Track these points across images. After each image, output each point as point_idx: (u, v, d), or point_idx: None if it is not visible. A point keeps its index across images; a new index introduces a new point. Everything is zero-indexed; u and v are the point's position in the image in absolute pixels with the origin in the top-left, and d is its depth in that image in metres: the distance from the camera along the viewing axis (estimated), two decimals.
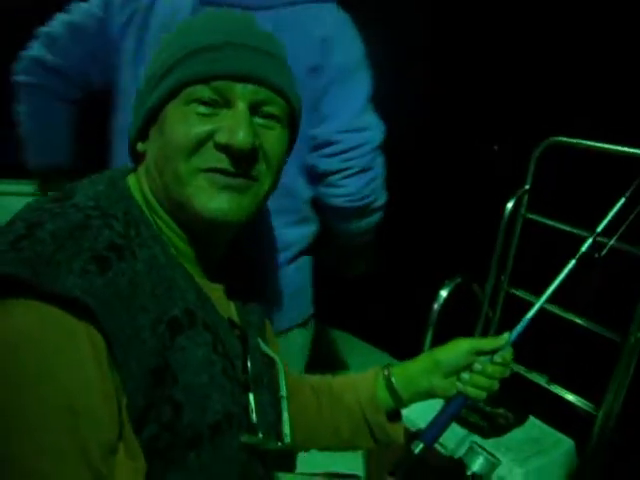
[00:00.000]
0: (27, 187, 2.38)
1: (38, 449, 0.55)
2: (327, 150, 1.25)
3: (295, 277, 1.41)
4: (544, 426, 1.86)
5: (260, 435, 0.77)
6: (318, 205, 1.38)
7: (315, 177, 1.31)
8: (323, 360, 2.88)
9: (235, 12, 0.78)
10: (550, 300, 1.01)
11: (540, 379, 1.84)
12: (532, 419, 1.85)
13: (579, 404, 1.73)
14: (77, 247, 0.61)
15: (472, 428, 1.72)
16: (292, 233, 1.36)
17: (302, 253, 1.42)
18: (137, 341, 0.62)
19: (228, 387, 0.74)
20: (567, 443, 1.79)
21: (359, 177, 1.27)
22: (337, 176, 1.27)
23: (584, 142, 1.66)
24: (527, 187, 1.83)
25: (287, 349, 1.30)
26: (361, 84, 1.27)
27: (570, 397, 1.77)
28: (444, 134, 2.93)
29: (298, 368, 1.51)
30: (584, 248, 0.98)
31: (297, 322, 1.45)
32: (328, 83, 1.22)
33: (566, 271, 0.98)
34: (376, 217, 1.40)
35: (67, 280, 0.58)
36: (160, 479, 0.66)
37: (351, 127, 1.24)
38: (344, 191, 1.28)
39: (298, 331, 1.47)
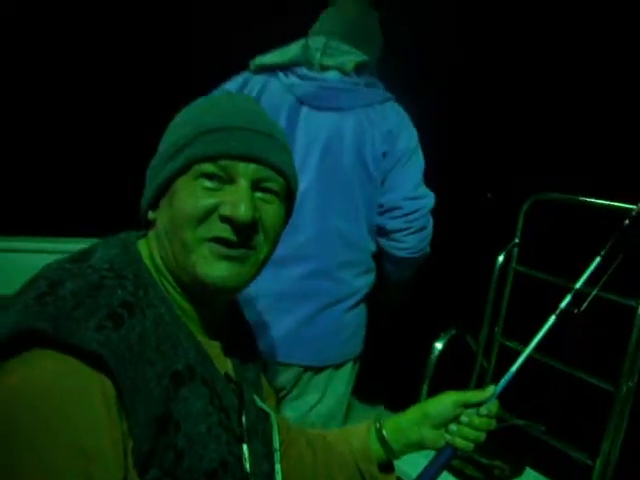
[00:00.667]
0: (44, 244, 2.46)
1: None
2: (394, 213, 1.62)
3: (356, 319, 1.74)
4: (541, 477, 1.85)
5: None
6: (380, 257, 1.74)
7: (383, 234, 1.67)
8: None
9: (241, 97, 0.88)
10: (540, 349, 1.05)
11: (537, 430, 1.84)
12: (529, 470, 1.85)
13: (576, 455, 1.73)
14: (94, 305, 0.67)
15: None
16: (359, 282, 1.69)
17: (363, 299, 1.74)
18: (145, 391, 0.68)
19: (224, 438, 0.78)
20: None
21: (418, 234, 1.64)
22: (401, 233, 1.64)
23: (566, 196, 1.74)
24: (517, 241, 1.90)
25: (339, 379, 1.73)
26: (417, 163, 1.64)
27: (567, 448, 1.76)
28: (439, 184, 3.01)
29: (346, 394, 1.81)
30: (563, 305, 1.03)
31: (351, 357, 1.76)
32: (394, 164, 1.60)
33: (547, 326, 1.03)
34: (415, 266, 1.76)
35: (85, 334, 0.64)
36: None
37: (411, 196, 1.61)
38: (406, 245, 1.65)
39: (350, 365, 1.78)
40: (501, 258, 1.91)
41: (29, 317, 0.64)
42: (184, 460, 0.71)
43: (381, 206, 1.63)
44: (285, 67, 1.62)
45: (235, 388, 0.86)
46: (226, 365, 0.89)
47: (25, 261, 2.37)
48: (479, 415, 1.00)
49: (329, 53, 1.61)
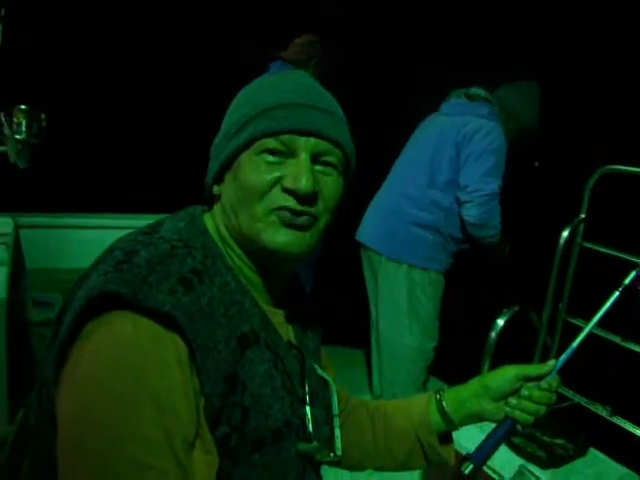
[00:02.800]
0: (114, 221, 2.60)
1: (133, 437, 0.65)
2: (463, 190, 2.40)
3: None
4: (607, 459, 1.81)
5: (315, 443, 0.86)
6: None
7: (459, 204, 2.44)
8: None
9: (299, 74, 0.90)
10: (607, 327, 1.03)
11: (603, 411, 1.79)
12: (593, 451, 1.81)
13: None
14: (166, 271, 0.72)
15: (529, 458, 1.71)
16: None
17: None
18: (214, 351, 0.72)
19: (287, 399, 0.83)
20: (633, 478, 1.74)
21: (479, 207, 2.35)
22: (467, 204, 2.38)
23: (636, 169, 1.66)
24: (583, 216, 1.84)
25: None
26: (483, 163, 2.37)
27: (636, 431, 1.71)
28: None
29: None
30: (627, 281, 1.01)
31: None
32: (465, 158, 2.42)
33: (610, 302, 1.01)
34: (490, 231, 2.41)
35: (159, 297, 0.69)
36: (229, 473, 0.75)
37: (472, 183, 2.37)
38: (470, 213, 2.38)
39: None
40: (566, 234, 1.86)
41: (109, 282, 0.70)
42: (250, 418, 0.76)
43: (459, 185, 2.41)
44: None
45: (297, 354, 0.90)
46: (288, 333, 0.92)
47: (97, 237, 2.51)
48: (539, 388, 1.00)
49: None
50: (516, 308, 2.12)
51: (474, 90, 2.50)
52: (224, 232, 0.87)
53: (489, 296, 2.89)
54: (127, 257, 0.74)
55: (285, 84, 0.86)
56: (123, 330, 0.68)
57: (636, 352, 1.68)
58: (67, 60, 3.87)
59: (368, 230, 2.59)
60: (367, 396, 2.74)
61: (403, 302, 2.48)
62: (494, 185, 2.33)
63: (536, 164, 2.59)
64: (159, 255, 0.74)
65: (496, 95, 2.51)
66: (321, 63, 2.78)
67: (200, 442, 0.71)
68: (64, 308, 0.77)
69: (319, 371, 0.97)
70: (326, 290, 3.02)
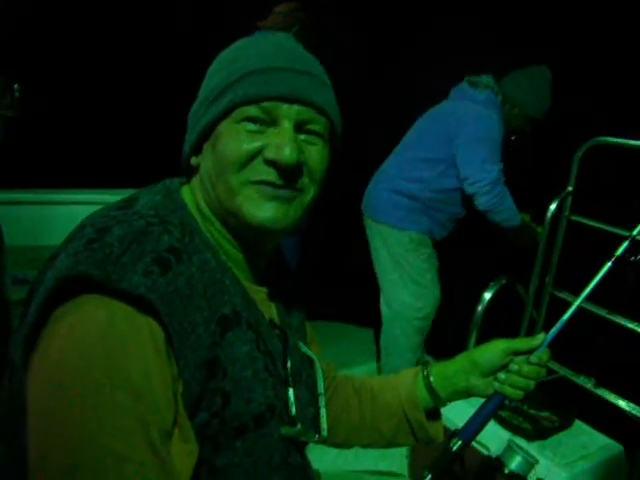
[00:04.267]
0: (84, 196, 2.54)
1: (107, 427, 0.61)
2: (466, 182, 2.42)
3: None
4: (591, 430, 1.83)
5: (299, 426, 0.82)
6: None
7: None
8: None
9: (279, 35, 0.85)
10: (593, 300, 1.02)
11: (587, 382, 1.80)
12: (578, 423, 1.83)
13: (627, 408, 1.70)
14: (140, 250, 0.67)
15: (516, 430, 1.72)
16: None
17: None
18: (193, 335, 0.68)
19: (270, 382, 0.79)
20: (615, 448, 1.76)
21: (485, 196, 2.37)
22: (474, 196, 2.40)
23: (631, 142, 1.64)
24: (570, 189, 1.82)
25: None
26: (477, 152, 2.40)
27: (618, 401, 1.73)
28: None
29: None
30: (619, 252, 0.99)
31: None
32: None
33: (602, 273, 0.99)
34: (504, 214, 2.39)
35: (133, 279, 0.64)
36: (209, 461, 0.72)
37: (471, 174, 2.40)
38: (478, 202, 2.39)
39: None
40: (553, 207, 1.85)
41: (79, 263, 0.65)
42: (231, 403, 0.72)
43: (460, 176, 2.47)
44: None
45: (280, 334, 0.87)
46: (271, 311, 0.89)
47: (66, 213, 2.45)
48: (529, 363, 0.98)
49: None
50: (503, 281, 2.11)
51: (479, 77, 2.54)
52: (203, 206, 0.82)
53: (476, 268, 2.89)
54: (98, 235, 0.69)
55: (265, 47, 0.80)
56: (95, 315, 0.64)
57: (622, 325, 1.68)
58: (43, 28, 3.74)
59: (364, 198, 2.78)
60: (356, 370, 2.75)
61: (387, 259, 2.64)
62: (494, 172, 2.37)
63: (512, 138, 2.56)
64: (133, 232, 0.69)
65: (501, 83, 2.54)
66: (303, 31, 2.70)
67: (178, 430, 0.67)
68: (32, 289, 0.72)
69: (303, 348, 0.94)
70: (315, 263, 3.00)
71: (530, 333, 2.04)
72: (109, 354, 0.63)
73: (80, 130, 3.88)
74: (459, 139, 2.43)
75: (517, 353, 1.00)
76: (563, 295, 1.86)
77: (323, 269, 3.48)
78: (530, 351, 0.99)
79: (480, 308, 2.05)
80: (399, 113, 2.84)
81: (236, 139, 0.76)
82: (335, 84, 0.85)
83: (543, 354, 0.99)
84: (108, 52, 3.95)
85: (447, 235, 2.71)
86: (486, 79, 2.53)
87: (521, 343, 1.01)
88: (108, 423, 0.61)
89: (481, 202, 2.39)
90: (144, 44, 3.96)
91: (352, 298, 3.13)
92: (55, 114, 3.75)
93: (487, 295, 2.05)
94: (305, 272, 2.79)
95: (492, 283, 2.10)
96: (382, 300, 2.73)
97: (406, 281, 2.61)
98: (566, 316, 1.00)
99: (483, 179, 2.37)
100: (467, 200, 2.54)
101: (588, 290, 0.99)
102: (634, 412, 1.67)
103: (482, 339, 2.02)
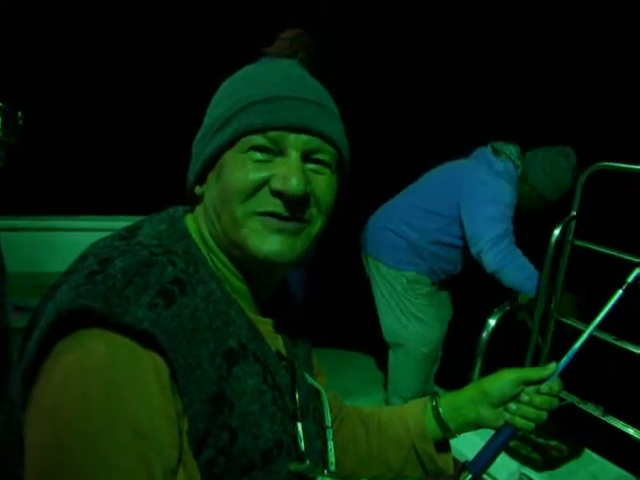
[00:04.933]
0: (87, 223, 2.53)
1: (108, 468, 0.59)
2: (470, 243, 2.41)
3: None
4: (602, 460, 1.79)
5: (307, 462, 0.80)
6: None
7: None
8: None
9: (286, 63, 0.84)
10: (602, 327, 1.00)
11: (595, 410, 1.76)
12: (588, 452, 1.79)
13: (637, 436, 1.66)
14: (144, 282, 0.66)
15: (524, 460, 1.68)
16: None
17: None
18: (199, 370, 0.66)
19: (278, 416, 0.77)
20: (627, 479, 1.72)
21: (487, 254, 2.30)
22: (480, 257, 2.35)
23: (633, 167, 1.63)
24: (574, 213, 1.81)
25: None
26: (480, 212, 2.37)
27: (629, 430, 1.69)
28: None
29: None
30: (630, 279, 0.97)
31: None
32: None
33: (613, 301, 0.97)
34: (520, 274, 2.26)
35: (137, 313, 0.63)
36: None
37: (475, 233, 2.38)
38: (484, 263, 2.34)
39: None
40: (557, 232, 1.83)
41: (80, 296, 0.63)
42: (238, 440, 0.70)
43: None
44: None
45: (287, 365, 0.85)
46: (277, 343, 0.87)
47: (67, 239, 2.44)
48: (540, 393, 0.96)
49: None
50: (507, 307, 2.09)
51: (504, 146, 2.50)
52: (207, 237, 0.81)
53: (480, 295, 2.87)
54: (101, 266, 0.67)
55: (271, 75, 0.79)
56: (97, 350, 0.62)
57: (630, 351, 1.65)
58: (46, 56, 3.78)
59: (365, 232, 2.77)
60: (363, 399, 2.71)
61: (387, 296, 2.64)
62: (498, 229, 2.29)
63: None
64: (137, 264, 0.68)
65: (525, 160, 2.50)
66: (309, 57, 2.71)
67: (183, 469, 0.65)
68: (33, 321, 0.70)
69: (310, 380, 0.92)
70: (321, 292, 2.99)
71: (536, 361, 2.01)
72: (111, 390, 0.61)
73: (82, 156, 3.89)
74: (466, 199, 2.41)
75: (528, 383, 0.98)
76: (569, 321, 1.83)
77: (329, 297, 3.46)
78: (541, 381, 0.97)
79: (485, 335, 2.02)
80: (404, 137, 2.85)
81: (242, 168, 0.75)
82: (341, 109, 0.84)
83: (554, 384, 0.96)
84: (113, 75, 3.98)
85: (446, 277, 2.68)
86: (510, 150, 2.48)
87: (531, 373, 0.98)
88: (109, 462, 0.59)
89: (486, 261, 2.30)
90: (150, 70, 4.00)
91: (359, 326, 3.11)
92: (57, 139, 3.76)
93: (492, 322, 2.03)
94: (311, 300, 2.77)
95: (496, 310, 2.07)
96: (385, 334, 2.70)
97: (409, 318, 2.59)
98: (577, 345, 0.98)
99: (485, 235, 2.30)
100: (463, 259, 2.55)
101: (600, 318, 0.97)
102: None
103: (486, 366, 2.00)
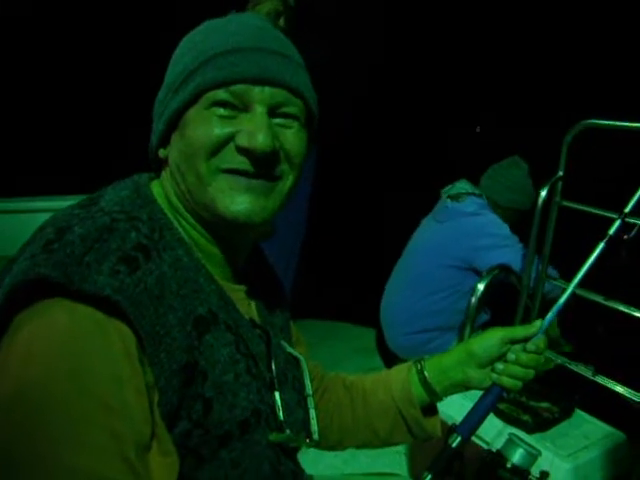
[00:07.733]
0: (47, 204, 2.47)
1: (76, 445, 0.56)
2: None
3: None
4: (592, 419, 1.79)
5: (288, 432, 0.78)
6: None
7: None
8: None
9: (246, 15, 0.80)
10: (590, 287, 0.98)
11: (586, 371, 1.76)
12: (579, 412, 1.79)
13: (628, 395, 1.66)
14: (106, 248, 0.62)
15: (515, 423, 1.68)
16: None
17: None
18: (167, 338, 0.63)
19: (254, 385, 0.74)
20: (618, 436, 1.72)
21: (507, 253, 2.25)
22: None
23: (619, 123, 1.60)
24: (561, 174, 1.79)
25: None
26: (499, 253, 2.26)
27: (618, 388, 1.69)
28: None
29: None
30: (612, 231, 0.95)
31: None
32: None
33: (596, 253, 0.95)
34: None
35: (98, 280, 0.59)
36: (193, 474, 0.67)
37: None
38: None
39: None
40: (544, 193, 1.81)
41: (37, 265, 0.60)
42: (213, 410, 0.67)
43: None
44: None
45: (262, 334, 0.82)
46: (250, 310, 0.84)
47: (29, 221, 2.39)
48: (527, 351, 0.94)
49: None
50: (496, 270, 2.07)
51: (458, 187, 2.43)
52: (174, 200, 0.77)
53: None
54: (58, 235, 0.64)
55: (232, 26, 0.75)
56: (56, 320, 0.59)
57: (619, 310, 1.64)
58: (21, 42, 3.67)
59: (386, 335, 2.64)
60: (349, 368, 2.70)
61: None
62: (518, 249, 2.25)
63: (477, 129, 2.48)
64: (97, 230, 0.64)
65: (482, 186, 2.46)
66: (285, 23, 2.59)
67: (157, 443, 0.62)
68: None
69: (288, 349, 0.89)
70: (310, 262, 2.96)
71: (525, 322, 2.00)
72: (73, 361, 0.58)
73: (61, 134, 3.80)
74: (478, 258, 2.29)
75: (514, 341, 0.96)
76: (558, 282, 1.82)
77: (318, 268, 3.44)
78: (527, 339, 0.95)
79: (474, 299, 2.01)
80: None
81: (205, 124, 0.71)
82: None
83: (540, 341, 0.95)
84: (91, 55, 3.88)
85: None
86: (462, 186, 2.42)
87: (517, 331, 0.97)
88: (76, 439, 0.55)
89: (506, 260, 2.19)
90: (131, 53, 3.90)
91: (346, 297, 3.09)
92: (33, 117, 3.67)
93: (480, 285, 2.01)
94: (300, 272, 2.73)
95: (485, 272, 2.06)
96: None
97: None
98: (561, 300, 0.96)
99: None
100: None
101: (583, 272, 0.95)
102: (634, 398, 1.64)
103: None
